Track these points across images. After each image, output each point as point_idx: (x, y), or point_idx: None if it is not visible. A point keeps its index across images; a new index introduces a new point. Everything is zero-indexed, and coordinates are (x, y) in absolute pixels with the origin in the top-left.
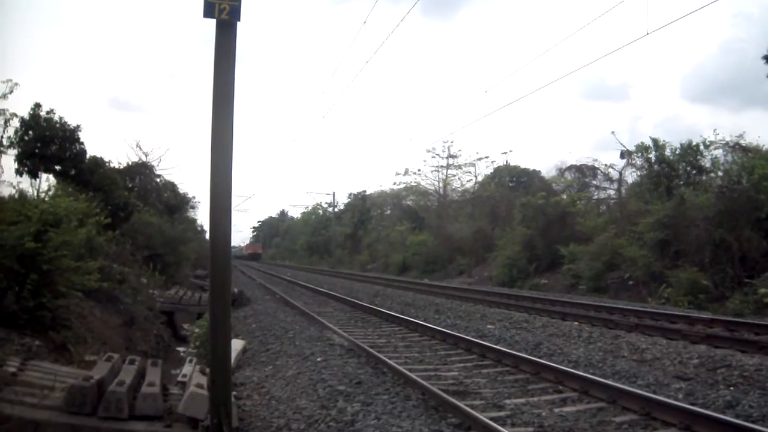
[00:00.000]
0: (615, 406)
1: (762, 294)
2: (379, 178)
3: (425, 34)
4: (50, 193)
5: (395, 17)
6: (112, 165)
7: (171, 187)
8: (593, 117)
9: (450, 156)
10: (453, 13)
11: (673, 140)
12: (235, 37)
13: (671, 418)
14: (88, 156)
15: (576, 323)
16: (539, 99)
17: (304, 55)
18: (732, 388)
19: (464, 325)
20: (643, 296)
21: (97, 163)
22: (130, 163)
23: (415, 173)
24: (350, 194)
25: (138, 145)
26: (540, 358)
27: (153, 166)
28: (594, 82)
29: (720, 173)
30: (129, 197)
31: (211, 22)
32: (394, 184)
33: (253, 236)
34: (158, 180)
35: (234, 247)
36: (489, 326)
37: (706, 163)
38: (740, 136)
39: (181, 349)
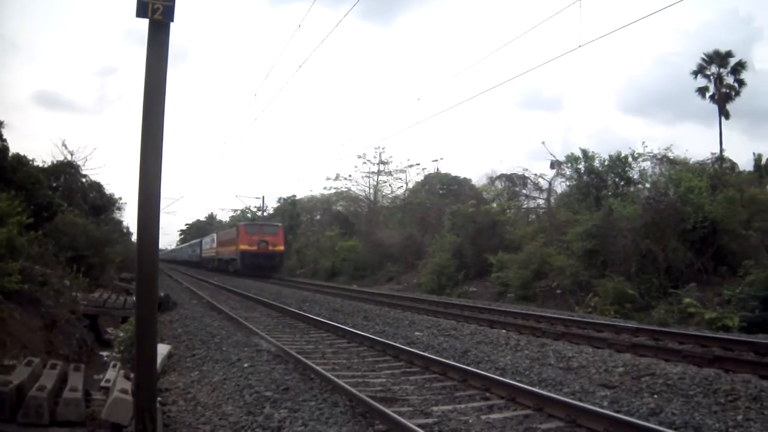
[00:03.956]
0: (541, 413)
1: (686, 304)
2: (309, 183)
3: (361, 39)
4: None
5: (332, 21)
6: (36, 163)
7: (97, 187)
8: (528, 126)
9: (381, 162)
10: (391, 19)
11: (607, 151)
12: (168, 38)
13: (596, 425)
14: (10, 154)
15: (504, 331)
16: (473, 107)
17: (238, 58)
18: (656, 396)
19: (392, 331)
20: (571, 305)
21: (20, 161)
22: (54, 162)
23: (345, 179)
24: (280, 198)
25: (63, 144)
26: (468, 365)
27: (79, 166)
28: (530, 91)
29: (647, 185)
30: (53, 197)
31: (146, 21)
32: (325, 189)
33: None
34: (84, 180)
35: (184, 247)
36: (417, 333)
37: (635, 174)
38: (668, 148)
39: (104, 353)
